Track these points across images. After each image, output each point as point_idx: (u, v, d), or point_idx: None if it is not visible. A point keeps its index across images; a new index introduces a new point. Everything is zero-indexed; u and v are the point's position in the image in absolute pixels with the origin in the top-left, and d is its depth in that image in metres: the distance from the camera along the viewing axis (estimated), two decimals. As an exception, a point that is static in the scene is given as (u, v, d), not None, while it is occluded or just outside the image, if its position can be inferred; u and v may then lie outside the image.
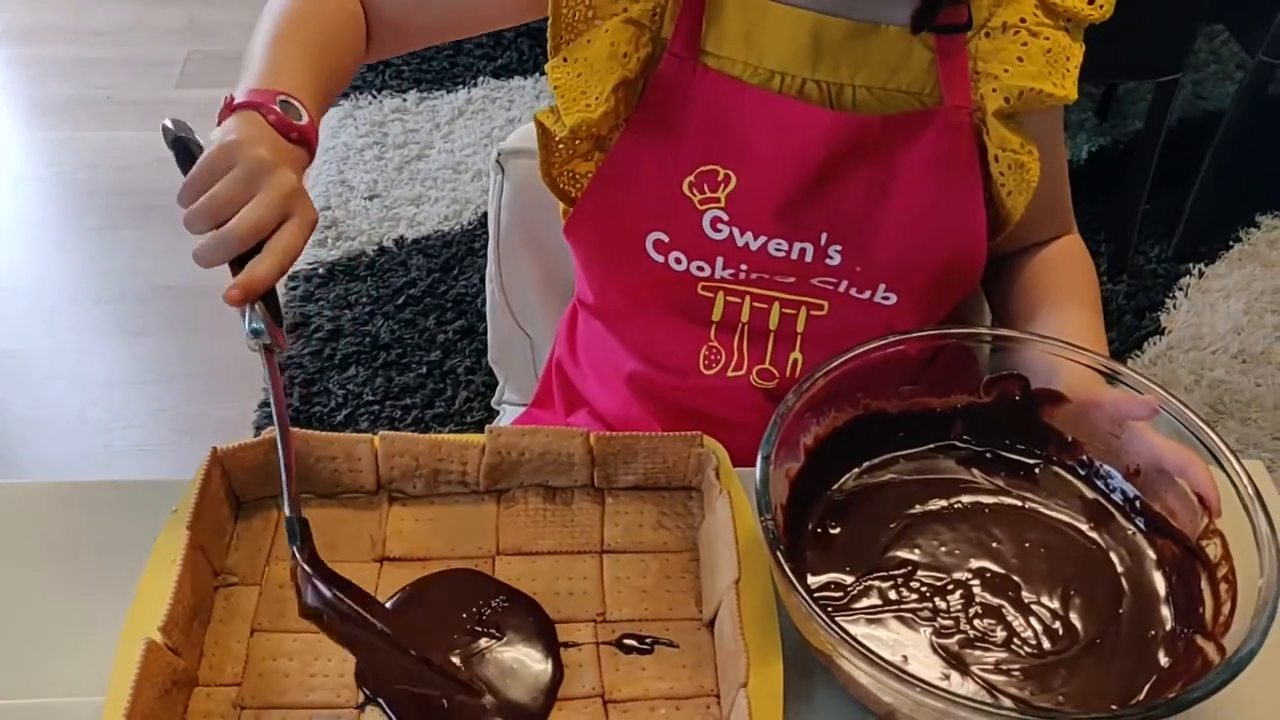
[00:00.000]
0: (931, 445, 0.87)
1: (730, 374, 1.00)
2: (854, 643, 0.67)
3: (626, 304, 1.02)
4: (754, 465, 0.75)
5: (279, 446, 0.76)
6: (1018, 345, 0.88)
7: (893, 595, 0.78)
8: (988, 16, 0.89)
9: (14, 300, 2.29)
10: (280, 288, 0.78)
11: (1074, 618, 0.77)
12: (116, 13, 3.04)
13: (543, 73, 2.67)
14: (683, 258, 0.95)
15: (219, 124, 0.82)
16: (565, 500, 0.87)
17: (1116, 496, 0.84)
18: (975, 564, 0.80)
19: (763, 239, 0.93)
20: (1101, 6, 0.89)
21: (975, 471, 0.86)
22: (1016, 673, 0.74)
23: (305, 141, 0.84)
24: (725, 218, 0.93)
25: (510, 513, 0.86)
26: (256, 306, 0.75)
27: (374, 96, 2.70)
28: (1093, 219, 2.23)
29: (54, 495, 0.89)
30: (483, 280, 1.70)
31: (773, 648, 0.76)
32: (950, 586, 0.78)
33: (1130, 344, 2.17)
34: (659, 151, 0.94)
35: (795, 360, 0.99)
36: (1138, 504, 0.83)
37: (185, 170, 0.80)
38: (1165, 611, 0.78)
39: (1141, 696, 0.73)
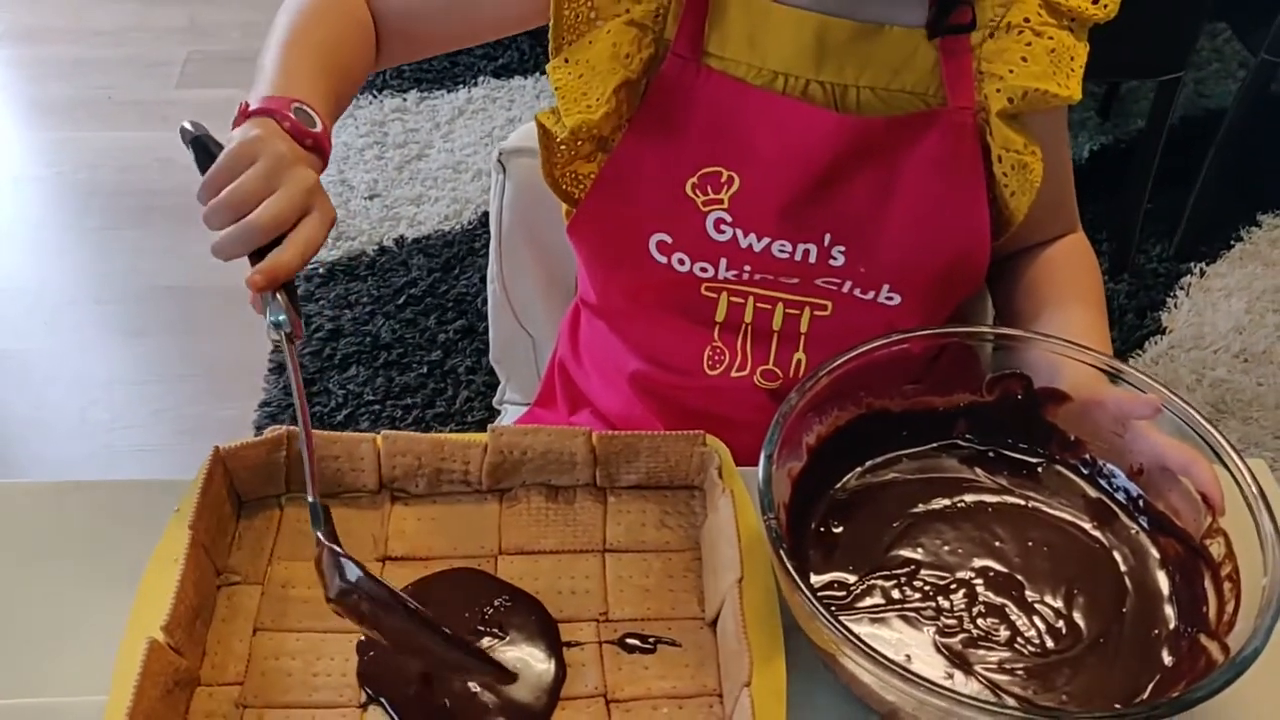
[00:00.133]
0: (934, 444, 0.87)
1: (734, 374, 1.00)
2: (857, 642, 0.67)
3: (629, 304, 1.02)
4: (757, 465, 0.75)
5: (301, 432, 0.77)
6: (1020, 344, 0.88)
7: (896, 594, 0.78)
8: (992, 17, 0.89)
9: (14, 300, 2.29)
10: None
11: (1077, 617, 0.77)
12: (117, 13, 3.04)
13: (543, 72, 2.67)
14: (686, 259, 0.95)
15: (233, 130, 0.82)
16: (568, 499, 0.87)
17: (1120, 495, 0.84)
18: (978, 563, 0.80)
19: (766, 240, 0.93)
20: (1106, 6, 0.89)
21: (978, 470, 0.86)
22: (1020, 672, 0.74)
23: (319, 148, 0.84)
24: (729, 219, 0.93)
25: (513, 512, 0.86)
26: (279, 296, 0.76)
27: (374, 96, 2.70)
28: (1094, 218, 2.20)
29: (55, 495, 0.89)
30: (483, 280, 1.70)
31: (775, 647, 0.76)
32: (953, 585, 0.78)
33: (1132, 343, 2.18)
34: (662, 153, 0.93)
35: (799, 360, 0.99)
36: (1141, 503, 0.82)
37: (204, 169, 0.80)
38: (1169, 611, 0.78)
39: (1145, 696, 0.73)
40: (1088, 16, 0.89)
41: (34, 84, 2.88)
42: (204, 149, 0.83)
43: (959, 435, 0.88)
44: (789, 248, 0.94)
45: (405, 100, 2.71)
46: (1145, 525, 0.82)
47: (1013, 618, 0.76)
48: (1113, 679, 0.74)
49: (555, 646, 0.78)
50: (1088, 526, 0.83)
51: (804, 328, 0.98)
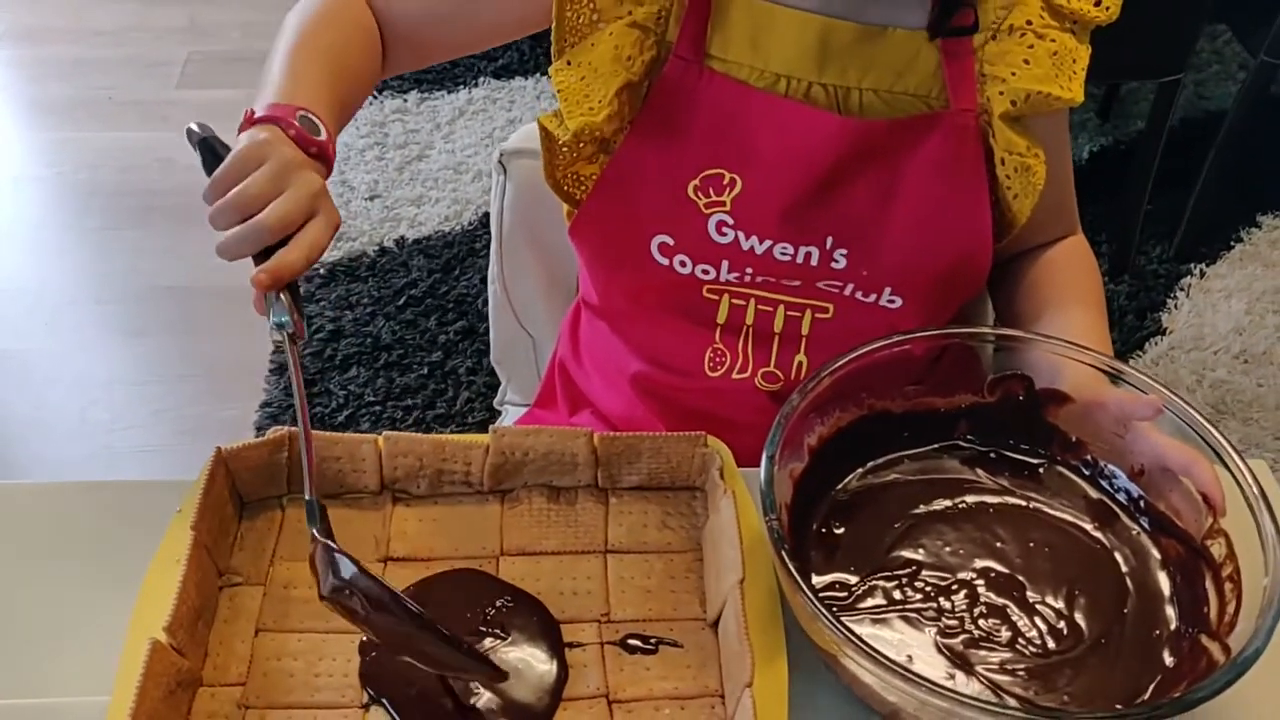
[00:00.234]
0: (936, 445, 0.87)
1: (735, 376, 1.00)
2: (859, 642, 0.67)
3: (631, 305, 1.02)
4: (758, 466, 0.75)
5: (300, 430, 0.77)
6: (1022, 345, 0.88)
7: (897, 595, 0.78)
8: (994, 19, 0.89)
9: (15, 301, 2.29)
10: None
11: (1079, 617, 0.77)
12: (117, 13, 3.05)
13: (544, 73, 2.68)
14: (687, 261, 0.95)
15: (239, 135, 0.83)
16: (569, 500, 0.87)
17: (1121, 496, 0.84)
18: (980, 564, 0.80)
19: (768, 243, 0.93)
20: (1107, 9, 0.89)
21: (979, 471, 0.86)
22: (1021, 672, 0.74)
23: (324, 156, 0.84)
24: (730, 221, 0.93)
25: (514, 513, 0.86)
26: (282, 296, 0.76)
27: (375, 97, 2.70)
28: (1094, 219, 2.20)
29: (56, 495, 0.89)
30: (484, 280, 1.70)
31: (777, 648, 0.76)
32: (955, 586, 0.78)
33: (1132, 344, 2.18)
34: (664, 155, 0.94)
35: (800, 363, 0.99)
36: (1142, 504, 0.82)
37: (210, 170, 0.81)
38: (1170, 611, 0.78)
39: (1146, 696, 0.73)
40: (1090, 19, 0.89)
41: (34, 84, 2.88)
42: (211, 150, 0.84)
43: (960, 436, 0.88)
44: (791, 250, 0.94)
45: (406, 101, 2.71)
46: (1146, 526, 0.82)
47: (1014, 618, 0.77)
48: (1114, 679, 0.74)
49: (557, 647, 0.78)
50: (1089, 527, 0.83)
51: (805, 330, 0.98)
